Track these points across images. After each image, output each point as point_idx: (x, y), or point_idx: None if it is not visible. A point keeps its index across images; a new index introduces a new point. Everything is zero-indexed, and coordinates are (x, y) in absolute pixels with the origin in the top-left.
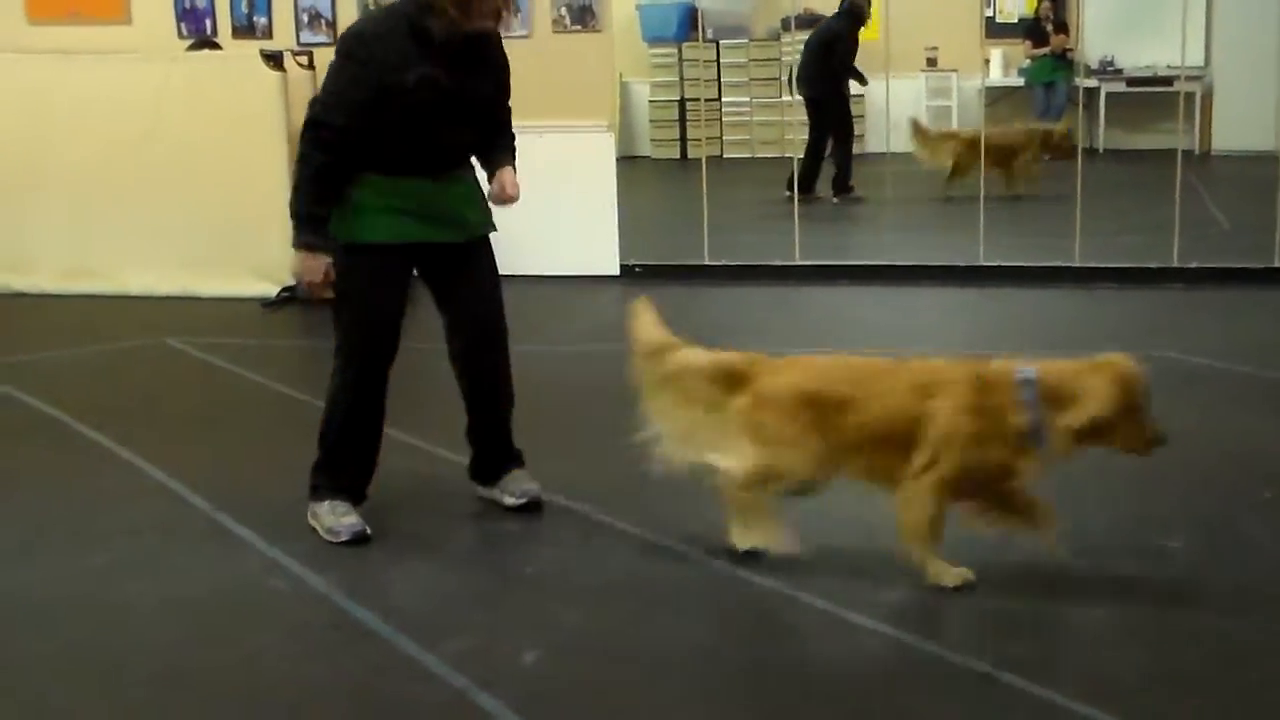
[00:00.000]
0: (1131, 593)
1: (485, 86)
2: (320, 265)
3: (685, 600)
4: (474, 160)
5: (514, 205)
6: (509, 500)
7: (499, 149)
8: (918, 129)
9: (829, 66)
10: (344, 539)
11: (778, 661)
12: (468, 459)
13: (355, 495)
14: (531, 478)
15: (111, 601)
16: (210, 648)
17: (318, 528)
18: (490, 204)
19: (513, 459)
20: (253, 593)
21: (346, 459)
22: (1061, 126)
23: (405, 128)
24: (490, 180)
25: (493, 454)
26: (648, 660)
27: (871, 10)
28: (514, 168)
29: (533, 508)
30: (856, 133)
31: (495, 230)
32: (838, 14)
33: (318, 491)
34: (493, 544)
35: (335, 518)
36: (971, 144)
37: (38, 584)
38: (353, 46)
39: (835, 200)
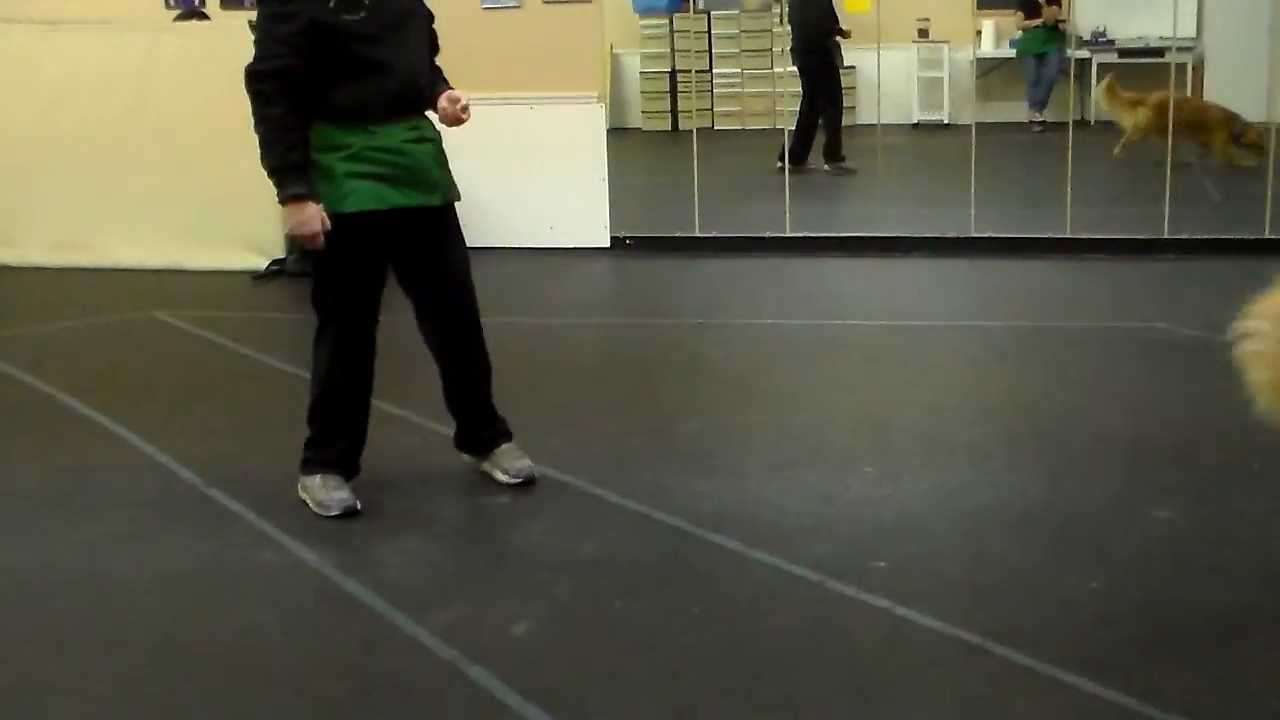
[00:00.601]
0: (1123, 564)
1: (415, 22)
2: (315, 213)
3: (676, 572)
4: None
5: (466, 123)
6: (503, 477)
7: (437, 79)
8: (1111, 88)
9: (810, 32)
10: (334, 513)
11: (769, 633)
12: (453, 430)
13: (347, 468)
14: (523, 453)
15: (104, 576)
16: (202, 622)
17: (308, 501)
18: (443, 124)
19: (501, 432)
20: (244, 567)
21: (336, 432)
22: (1256, 131)
23: (347, 58)
24: (435, 106)
25: (478, 425)
26: (638, 632)
27: None
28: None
29: (527, 484)
30: (848, 104)
31: (460, 199)
32: None
33: (308, 465)
34: (483, 517)
35: (326, 491)
36: (1159, 109)
37: (30, 559)
38: None
39: (826, 169)
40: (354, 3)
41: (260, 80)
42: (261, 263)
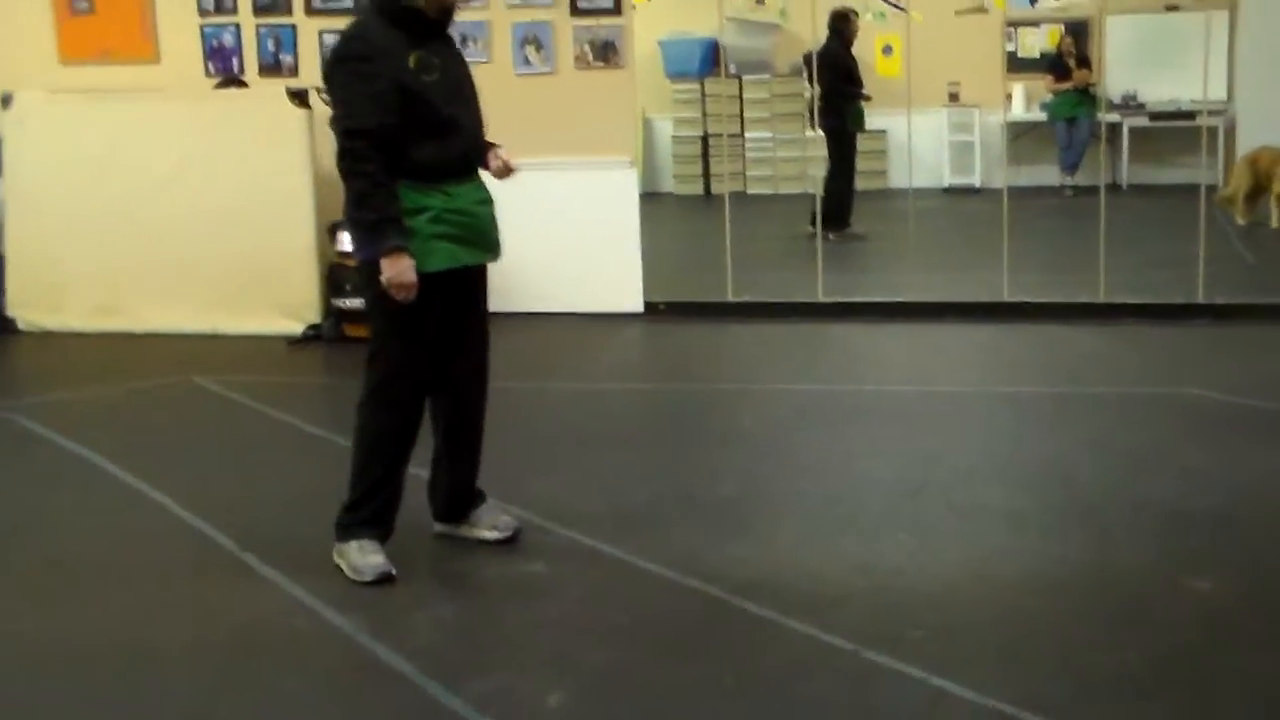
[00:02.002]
0: (1162, 635)
1: (465, 67)
2: (411, 265)
3: (710, 641)
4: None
5: (515, 177)
6: (491, 534)
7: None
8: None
9: (826, 96)
10: (368, 579)
11: (803, 703)
12: (430, 493)
13: (384, 532)
14: (504, 509)
15: (138, 642)
16: (236, 691)
17: (343, 566)
18: (495, 179)
19: (479, 495)
20: (277, 634)
21: (380, 497)
22: None
23: (428, 118)
24: (488, 166)
25: (465, 489)
26: (672, 702)
27: (855, 26)
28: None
29: (514, 539)
30: (879, 168)
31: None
32: (827, 39)
33: (347, 530)
34: (516, 583)
35: (362, 556)
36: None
37: (65, 624)
38: (351, 49)
39: (830, 238)
40: (429, 65)
41: (354, 138)
42: (298, 328)
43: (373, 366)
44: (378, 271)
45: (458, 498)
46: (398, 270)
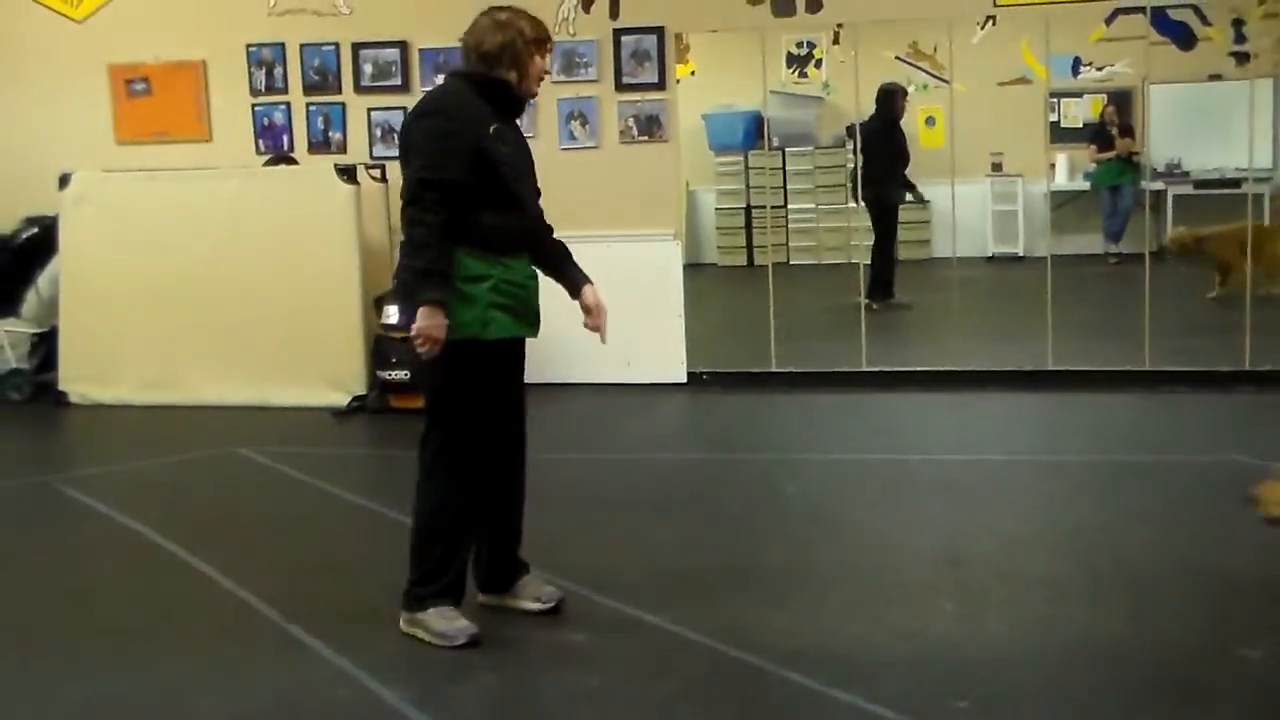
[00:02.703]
0: (1213, 703)
1: (529, 152)
2: (444, 323)
3: (754, 711)
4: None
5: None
6: (534, 606)
7: (560, 253)
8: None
9: (873, 169)
10: (460, 643)
11: None
12: (474, 565)
13: (458, 595)
14: (546, 580)
15: (185, 713)
16: None
17: (423, 635)
18: (585, 326)
19: (523, 566)
20: (322, 705)
21: (453, 568)
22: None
23: (498, 187)
24: (575, 295)
25: (509, 558)
26: None
27: (903, 105)
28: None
29: (557, 610)
30: (922, 238)
31: None
32: (873, 114)
33: (421, 601)
34: (559, 654)
35: (446, 622)
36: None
37: (112, 694)
38: (439, 105)
39: (876, 307)
40: (505, 139)
41: (427, 187)
42: (343, 399)
43: (428, 442)
44: (452, 345)
45: (500, 569)
46: (432, 323)
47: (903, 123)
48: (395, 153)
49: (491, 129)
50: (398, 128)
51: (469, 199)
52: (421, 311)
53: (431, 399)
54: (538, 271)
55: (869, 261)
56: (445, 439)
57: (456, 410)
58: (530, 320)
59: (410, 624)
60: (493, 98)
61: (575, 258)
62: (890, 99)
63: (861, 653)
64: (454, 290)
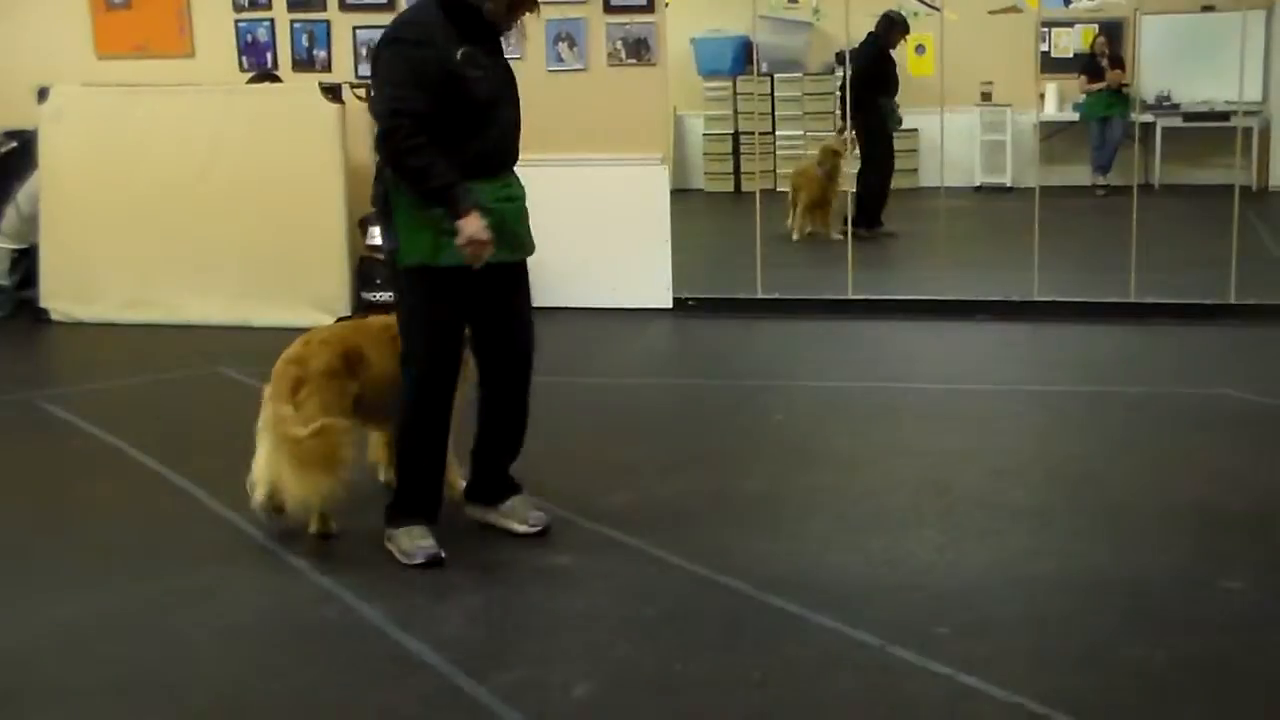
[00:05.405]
0: (1193, 634)
1: (509, 75)
2: (483, 224)
3: (737, 635)
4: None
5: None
6: (520, 528)
7: None
8: None
9: (868, 95)
10: (419, 561)
11: (830, 699)
12: (466, 478)
13: (430, 517)
14: (536, 504)
15: (167, 629)
16: (264, 678)
17: (394, 551)
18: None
19: (514, 486)
20: (305, 623)
21: (425, 487)
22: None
23: (464, 111)
24: None
25: (498, 478)
26: (699, 695)
27: (900, 35)
28: None
29: (543, 533)
30: (910, 166)
31: (534, 252)
32: (866, 40)
33: (394, 517)
34: (543, 576)
35: (411, 541)
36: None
37: (95, 610)
38: (401, 32)
39: (863, 234)
40: (475, 62)
41: (399, 117)
42: (328, 320)
43: (407, 365)
44: (407, 272)
45: (487, 481)
46: (475, 229)
47: (893, 51)
48: None
49: (459, 53)
50: None
51: (437, 124)
52: (462, 223)
53: (403, 324)
54: (520, 190)
55: (867, 188)
56: (417, 363)
57: (424, 336)
58: (507, 244)
59: (387, 540)
60: (460, 20)
61: (562, 181)
62: (891, 27)
63: (843, 579)
64: (409, 218)
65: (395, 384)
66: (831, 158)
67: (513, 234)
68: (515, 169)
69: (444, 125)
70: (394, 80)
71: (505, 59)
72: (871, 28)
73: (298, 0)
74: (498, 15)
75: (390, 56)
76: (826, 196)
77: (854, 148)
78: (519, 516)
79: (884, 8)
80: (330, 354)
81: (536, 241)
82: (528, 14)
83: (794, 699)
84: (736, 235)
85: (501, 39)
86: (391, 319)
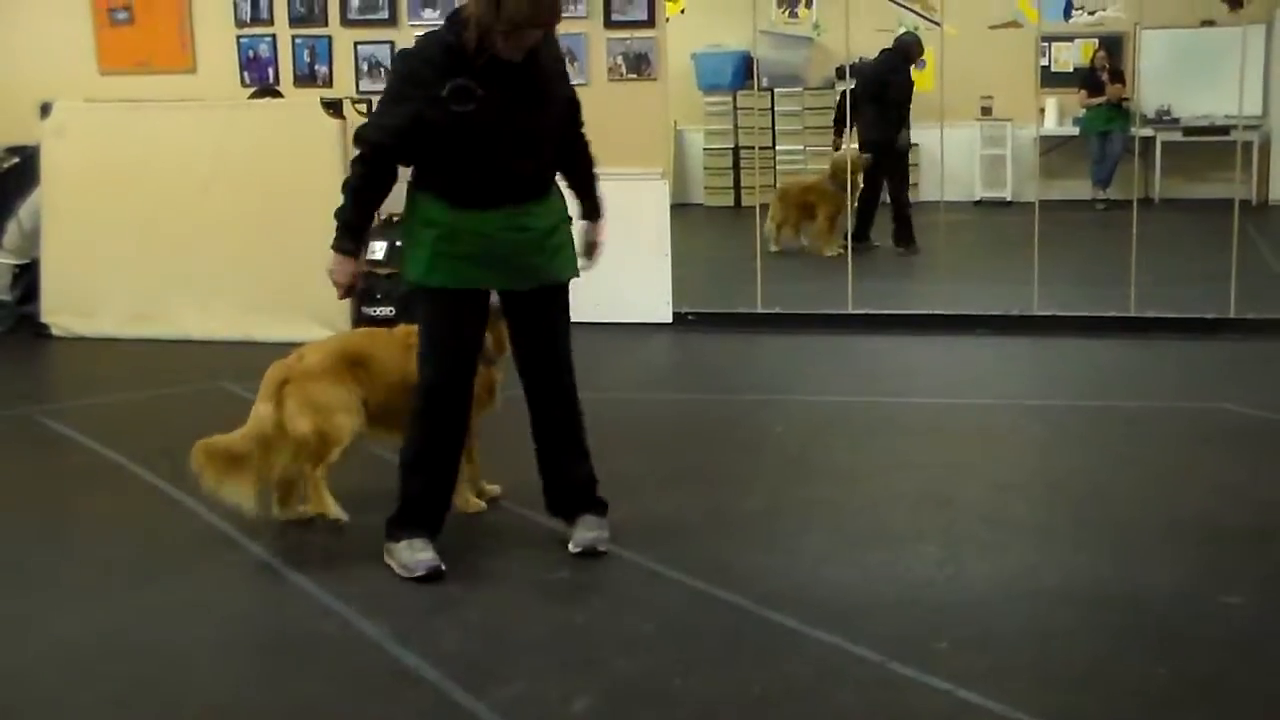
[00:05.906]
0: (1194, 650)
1: (539, 115)
2: (350, 269)
3: (736, 649)
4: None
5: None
6: (571, 547)
7: (585, 188)
8: None
9: (883, 111)
10: (419, 574)
11: (829, 714)
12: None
13: (432, 530)
14: (600, 527)
15: (166, 644)
16: (262, 692)
17: (393, 565)
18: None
19: (587, 504)
20: (304, 638)
21: (428, 502)
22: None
23: (458, 144)
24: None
25: (563, 494)
26: (698, 711)
27: (920, 53)
28: (601, 213)
29: (588, 555)
30: (910, 181)
31: (576, 276)
32: (887, 53)
33: (395, 532)
34: (544, 590)
35: (411, 553)
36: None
37: (94, 625)
38: (399, 63)
39: (900, 251)
40: (466, 95)
41: (360, 143)
42: (329, 334)
43: (419, 379)
44: (411, 288)
45: (553, 496)
46: (338, 268)
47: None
48: (381, 87)
49: (447, 88)
50: (385, 62)
51: (426, 154)
52: (332, 257)
53: (419, 349)
54: (541, 222)
55: (871, 203)
56: (423, 374)
57: (428, 349)
58: (509, 272)
59: (386, 554)
60: (462, 52)
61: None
62: (908, 48)
63: (843, 594)
64: (406, 234)
65: (408, 392)
66: (844, 173)
67: (515, 263)
68: (550, 196)
69: (433, 157)
70: (378, 105)
71: (531, 85)
72: (871, 42)
73: (299, 16)
74: (494, 46)
75: (387, 83)
76: (837, 211)
77: (866, 165)
78: (578, 536)
79: (884, 23)
80: (321, 356)
81: None
82: (543, 34)
83: (793, 714)
84: (736, 250)
85: (543, 64)
86: (414, 329)
